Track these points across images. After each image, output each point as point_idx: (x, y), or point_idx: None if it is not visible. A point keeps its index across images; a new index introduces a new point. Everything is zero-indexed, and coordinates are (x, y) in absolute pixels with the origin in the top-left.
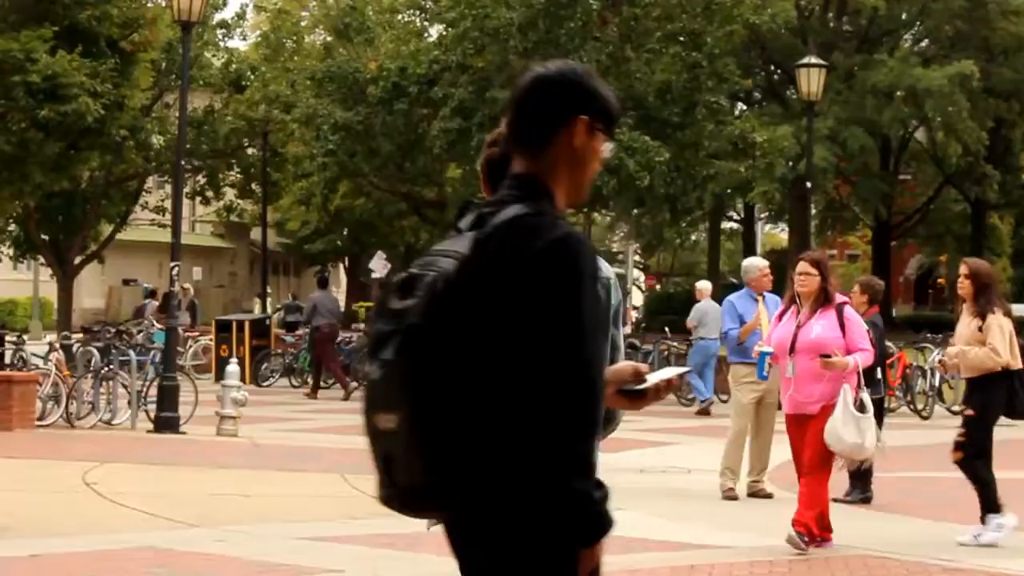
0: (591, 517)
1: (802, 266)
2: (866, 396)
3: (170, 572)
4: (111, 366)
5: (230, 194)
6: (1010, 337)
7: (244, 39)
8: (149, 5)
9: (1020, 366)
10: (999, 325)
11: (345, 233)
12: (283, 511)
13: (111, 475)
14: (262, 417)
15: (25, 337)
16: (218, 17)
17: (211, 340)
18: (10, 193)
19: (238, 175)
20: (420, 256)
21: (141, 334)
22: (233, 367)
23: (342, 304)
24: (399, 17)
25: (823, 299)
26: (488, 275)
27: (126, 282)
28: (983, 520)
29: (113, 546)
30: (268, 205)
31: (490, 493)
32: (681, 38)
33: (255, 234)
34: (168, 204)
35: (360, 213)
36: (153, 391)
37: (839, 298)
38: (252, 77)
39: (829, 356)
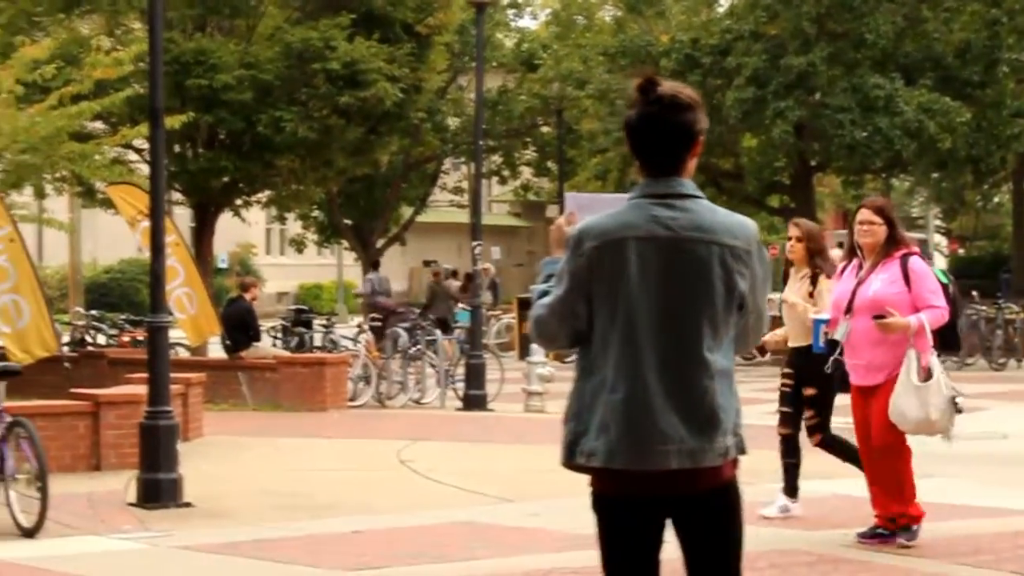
0: None
1: (864, 214)
2: (934, 361)
3: (488, 547)
4: (418, 346)
5: (526, 173)
6: None
7: (535, 18)
8: None
9: None
10: (830, 290)
11: None
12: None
13: (424, 452)
14: (567, 392)
15: (334, 320)
16: None
17: (513, 318)
18: (314, 179)
19: (533, 153)
20: None
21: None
22: None
23: None
24: None
25: (887, 250)
26: None
27: (426, 263)
28: (791, 492)
29: (431, 522)
30: (564, 182)
31: None
32: None
33: (551, 212)
34: (465, 185)
35: None
36: (460, 370)
37: (906, 248)
38: (544, 55)
39: (883, 316)
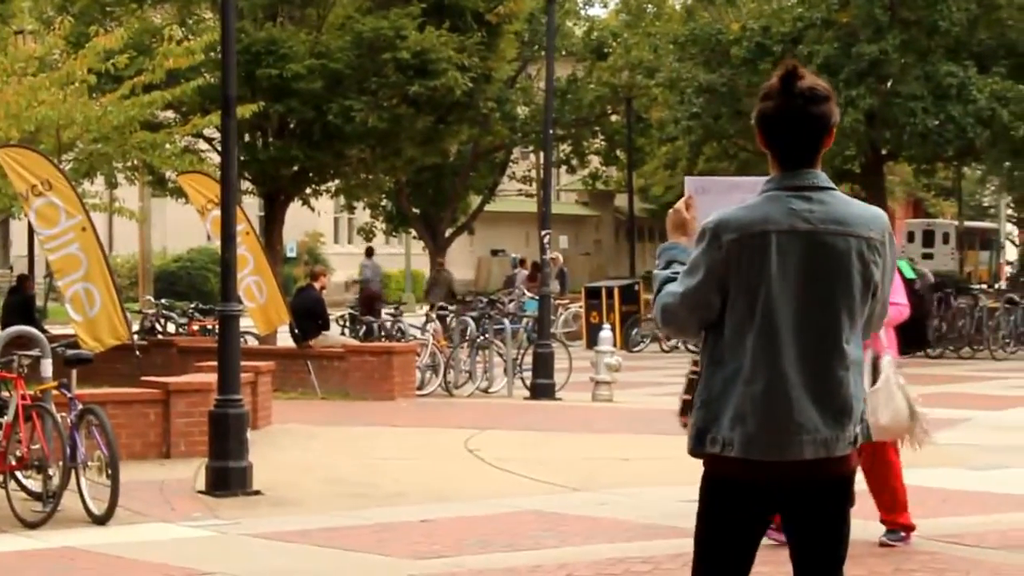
0: None
1: None
2: (885, 363)
3: (556, 536)
4: (486, 335)
5: (595, 161)
6: None
7: (604, 6)
8: None
9: None
10: None
11: None
12: (663, 475)
13: (492, 441)
14: (635, 382)
15: (402, 308)
16: None
17: (581, 307)
18: (383, 168)
19: (602, 142)
20: None
21: (513, 303)
22: (607, 333)
23: None
24: None
25: None
26: None
27: (494, 252)
28: None
29: (499, 510)
30: (633, 171)
31: None
32: None
33: (619, 201)
34: (534, 174)
35: (726, 175)
36: (528, 359)
37: None
38: (614, 44)
39: None
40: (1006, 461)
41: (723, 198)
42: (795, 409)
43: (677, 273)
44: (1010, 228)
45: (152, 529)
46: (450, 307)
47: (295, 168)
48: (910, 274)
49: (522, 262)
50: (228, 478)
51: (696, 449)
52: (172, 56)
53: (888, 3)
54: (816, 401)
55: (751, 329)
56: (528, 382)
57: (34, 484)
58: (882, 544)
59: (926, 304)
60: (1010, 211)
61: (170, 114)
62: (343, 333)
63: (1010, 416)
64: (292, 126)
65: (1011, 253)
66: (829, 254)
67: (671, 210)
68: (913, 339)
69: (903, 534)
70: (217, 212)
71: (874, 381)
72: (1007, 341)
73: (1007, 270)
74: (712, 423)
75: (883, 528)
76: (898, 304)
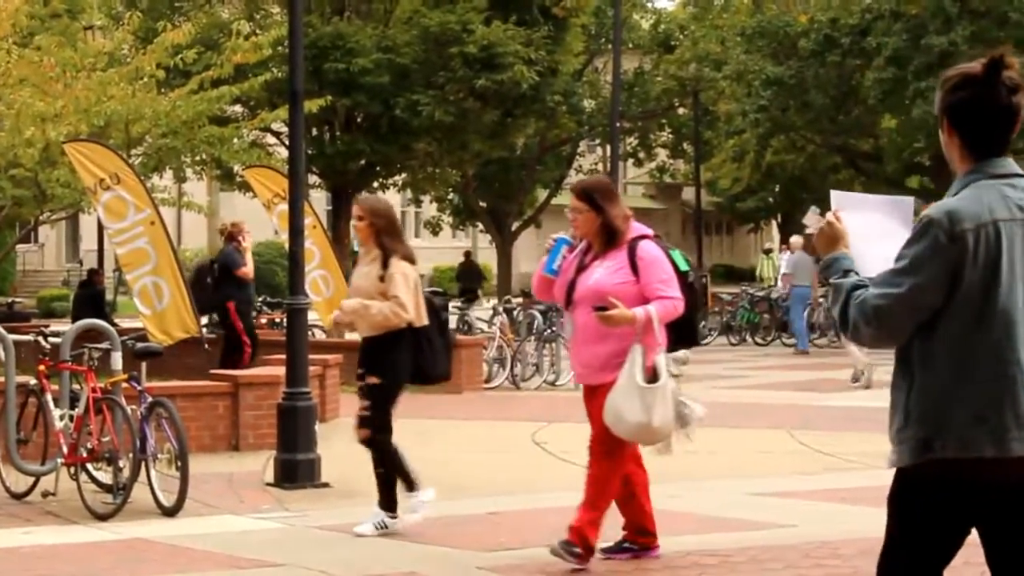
0: None
1: (572, 201)
2: (661, 361)
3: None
4: (553, 328)
5: (662, 154)
6: (415, 288)
7: None
8: None
9: (426, 322)
10: (403, 273)
11: (777, 189)
12: (732, 467)
13: (558, 434)
14: (702, 375)
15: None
16: None
17: None
18: (450, 162)
19: (669, 135)
20: None
21: None
22: None
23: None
24: None
25: (607, 238)
26: None
27: None
28: (387, 506)
29: (566, 503)
30: (700, 164)
31: None
32: None
33: (686, 194)
34: (601, 167)
35: (793, 168)
36: None
37: (637, 230)
38: (681, 36)
39: (604, 308)
40: None
41: (870, 216)
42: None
43: (863, 280)
44: None
45: (221, 521)
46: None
47: (362, 162)
48: (684, 266)
49: None
50: (296, 470)
51: (921, 458)
52: (240, 51)
53: None
54: None
55: (986, 323)
56: None
57: (105, 476)
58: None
59: (697, 298)
60: None
61: (238, 108)
62: None
63: None
64: (359, 120)
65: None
66: None
67: (824, 224)
68: (684, 335)
69: (576, 548)
70: (283, 206)
71: (652, 379)
72: None
73: None
74: (942, 427)
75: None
76: (673, 298)
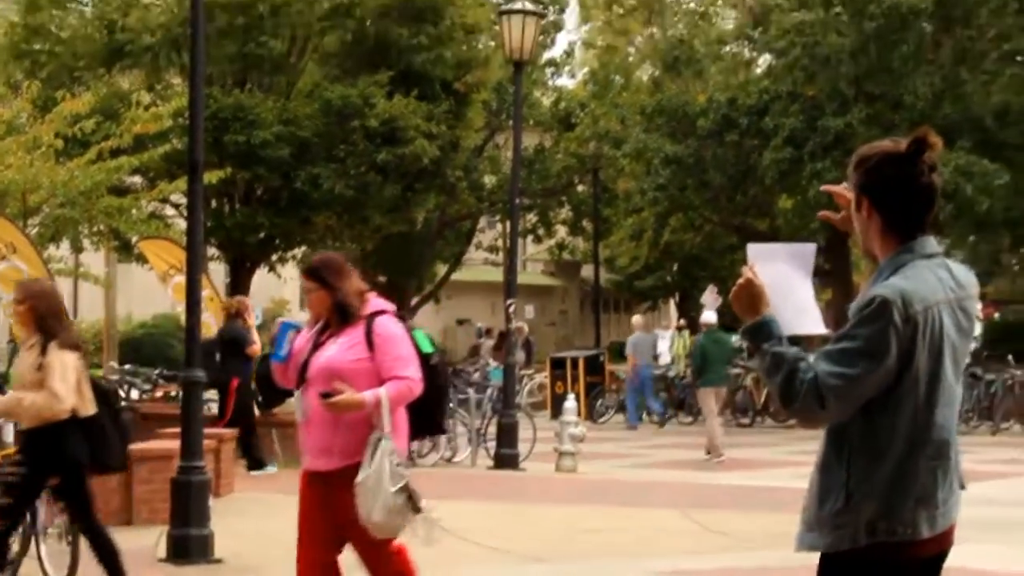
0: None
1: (302, 280)
2: (382, 446)
3: None
4: (450, 405)
5: (561, 232)
6: (78, 376)
7: (572, 77)
8: (480, 47)
9: (93, 410)
10: (62, 362)
11: (675, 268)
12: (627, 546)
13: (454, 512)
14: (599, 453)
15: None
16: (547, 56)
17: (546, 377)
18: (350, 236)
19: (569, 212)
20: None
21: (478, 372)
22: (571, 403)
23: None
24: (727, 48)
25: (340, 316)
26: None
27: (459, 322)
28: None
29: None
30: (599, 241)
31: None
32: (1018, 58)
33: (585, 271)
34: (500, 243)
35: (690, 247)
36: (492, 428)
37: (376, 306)
38: (581, 114)
39: (330, 394)
40: (963, 535)
41: (779, 267)
42: (955, 477)
43: (801, 352)
44: None
45: None
46: None
47: (261, 235)
48: (427, 347)
49: (487, 331)
50: (189, 546)
51: (867, 541)
52: (140, 121)
53: (854, 77)
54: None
55: (931, 405)
56: (492, 452)
57: None
58: None
59: (443, 382)
60: None
61: (137, 179)
62: None
63: (971, 490)
64: (259, 193)
65: (976, 328)
66: (967, 321)
67: (741, 283)
68: (427, 422)
69: None
70: (179, 278)
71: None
72: (970, 416)
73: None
74: (890, 510)
75: None
76: (408, 379)
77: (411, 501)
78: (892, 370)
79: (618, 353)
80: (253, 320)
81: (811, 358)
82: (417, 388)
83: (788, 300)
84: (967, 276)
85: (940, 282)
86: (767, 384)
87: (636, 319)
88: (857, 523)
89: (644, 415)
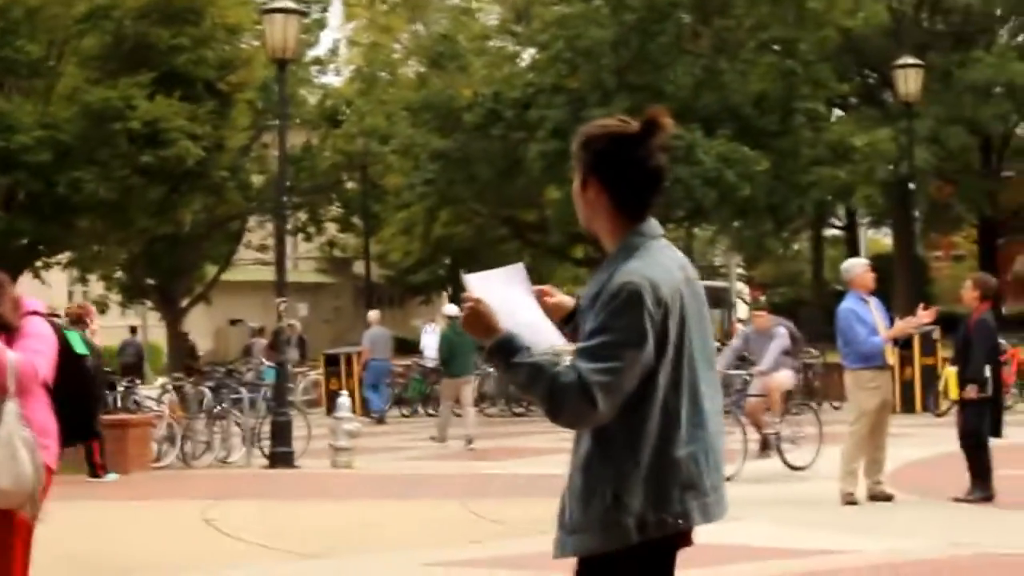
0: None
1: None
2: (9, 408)
3: None
4: (223, 405)
5: (331, 229)
6: None
7: (338, 74)
8: (244, 46)
9: None
10: None
11: (448, 261)
12: (404, 538)
13: (230, 512)
14: (374, 447)
15: (137, 381)
16: (311, 54)
17: (320, 375)
18: (116, 239)
19: (339, 209)
20: None
21: (251, 372)
22: (345, 399)
23: None
24: (491, 43)
25: (3, 330)
26: None
27: (232, 322)
28: None
29: None
30: (370, 237)
31: None
32: (775, 47)
33: (358, 268)
34: (271, 242)
35: (462, 240)
36: (266, 427)
37: (29, 306)
38: (348, 111)
39: None
40: (733, 513)
41: (500, 290)
42: (721, 461)
43: (557, 358)
44: (740, 286)
45: None
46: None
47: (24, 241)
48: (81, 349)
49: (260, 331)
50: None
51: (638, 539)
52: None
53: (616, 69)
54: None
55: (682, 389)
56: (267, 451)
57: None
58: None
59: (95, 386)
60: (740, 270)
61: None
62: None
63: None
64: (20, 198)
65: (743, 311)
66: (703, 300)
67: (470, 311)
68: (79, 425)
69: None
70: None
71: None
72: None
73: (739, 328)
74: (657, 503)
75: None
76: (37, 363)
77: (36, 473)
78: (651, 356)
79: (394, 348)
80: (97, 325)
81: (565, 361)
82: (40, 375)
83: (518, 320)
84: (685, 257)
85: (673, 262)
86: (530, 397)
87: (372, 314)
88: (627, 520)
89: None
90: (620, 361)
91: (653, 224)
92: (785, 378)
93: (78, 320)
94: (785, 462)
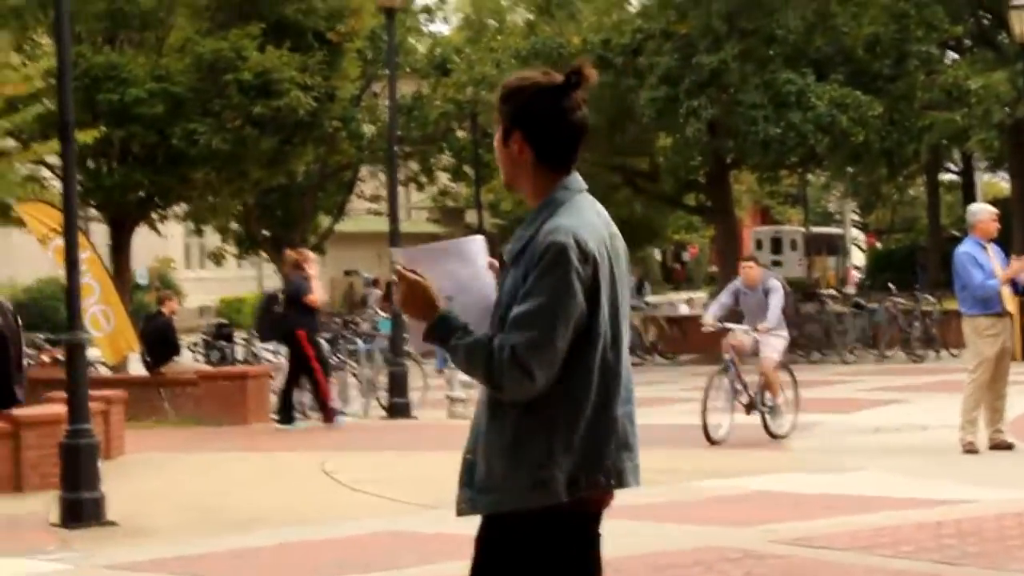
0: None
1: None
2: None
3: (413, 554)
4: (340, 356)
5: (443, 178)
6: None
7: (447, 22)
8: None
9: None
10: None
11: None
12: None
13: (348, 463)
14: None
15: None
16: (420, 2)
17: None
18: (230, 191)
19: (450, 159)
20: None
21: (366, 323)
22: None
23: None
24: None
25: None
26: None
27: (347, 273)
28: None
29: (355, 532)
30: (481, 186)
31: None
32: None
33: (470, 217)
34: (383, 193)
35: None
36: (382, 378)
37: None
38: (457, 60)
39: None
40: (853, 464)
41: (442, 264)
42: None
43: (488, 335)
44: (856, 233)
45: (4, 564)
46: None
47: (140, 193)
48: None
49: (375, 282)
50: (81, 510)
51: (569, 497)
52: (10, 83)
53: (726, 13)
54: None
55: (612, 345)
56: (384, 402)
57: None
58: None
59: (9, 355)
60: (855, 216)
61: (11, 142)
62: (196, 359)
63: (859, 419)
64: (135, 151)
65: (857, 258)
66: (625, 258)
67: (407, 289)
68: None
69: None
70: (60, 241)
71: None
72: (855, 345)
73: (854, 275)
74: (592, 462)
75: None
76: None
77: None
78: (584, 313)
79: None
80: (316, 271)
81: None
82: None
83: (470, 298)
84: (606, 212)
85: (599, 217)
86: (473, 377)
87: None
88: (558, 478)
89: None
90: (551, 328)
91: (577, 178)
92: (775, 353)
93: (296, 266)
94: (768, 431)
